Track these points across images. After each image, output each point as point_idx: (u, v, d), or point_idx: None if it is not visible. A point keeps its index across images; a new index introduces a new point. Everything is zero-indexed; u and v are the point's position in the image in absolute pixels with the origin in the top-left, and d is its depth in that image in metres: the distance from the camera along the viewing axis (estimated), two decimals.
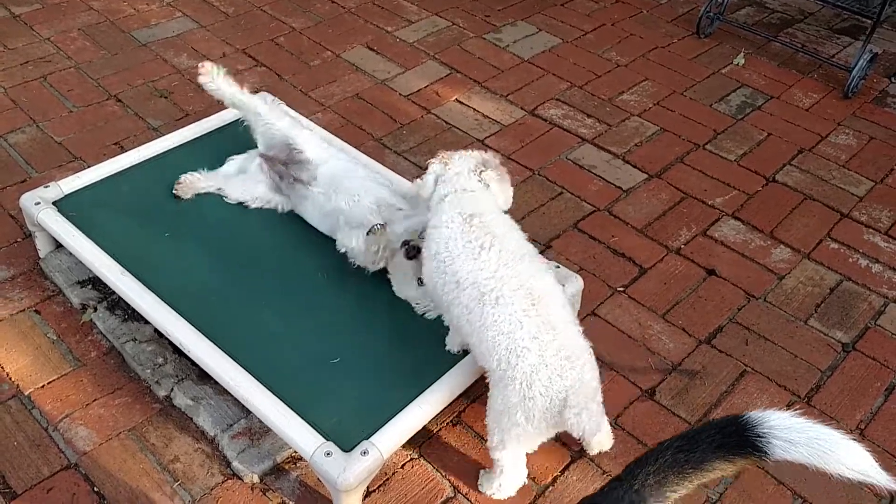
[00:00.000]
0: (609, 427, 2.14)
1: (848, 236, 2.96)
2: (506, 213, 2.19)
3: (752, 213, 3.03)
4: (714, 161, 3.30)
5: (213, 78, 2.60)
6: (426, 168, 2.18)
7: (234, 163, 2.66)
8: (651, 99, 3.65)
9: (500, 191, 2.18)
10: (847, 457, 1.16)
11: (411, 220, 2.33)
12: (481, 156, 2.19)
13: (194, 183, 2.60)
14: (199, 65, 2.60)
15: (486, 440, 2.18)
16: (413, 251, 2.23)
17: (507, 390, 1.85)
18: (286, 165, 2.50)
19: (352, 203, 2.40)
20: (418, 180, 2.20)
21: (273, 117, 2.58)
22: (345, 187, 2.43)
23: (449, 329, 2.19)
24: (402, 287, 2.32)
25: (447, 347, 2.19)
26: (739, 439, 1.19)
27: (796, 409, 1.32)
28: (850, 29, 4.32)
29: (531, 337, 1.83)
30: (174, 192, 2.59)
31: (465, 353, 2.14)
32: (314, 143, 2.57)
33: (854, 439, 1.15)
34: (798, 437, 1.16)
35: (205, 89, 2.65)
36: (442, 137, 3.34)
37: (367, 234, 2.28)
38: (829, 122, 3.57)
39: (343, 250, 2.35)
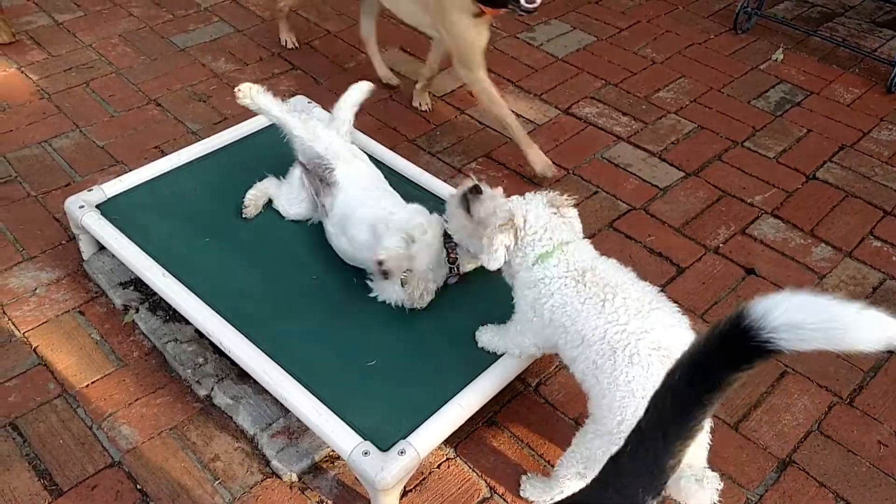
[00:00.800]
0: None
1: (891, 234, 2.90)
2: None
3: (792, 212, 2.99)
4: (753, 158, 3.25)
5: (252, 98, 2.60)
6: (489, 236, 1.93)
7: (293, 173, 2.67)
8: (688, 96, 3.61)
9: (576, 217, 2.02)
10: (864, 332, 0.96)
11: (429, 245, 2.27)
12: (539, 198, 1.98)
13: (257, 201, 2.62)
14: (236, 89, 2.61)
15: (522, 440, 2.18)
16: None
17: (613, 447, 1.73)
18: (321, 182, 2.51)
19: (352, 252, 2.38)
20: (484, 238, 1.95)
21: (309, 138, 2.54)
22: (349, 233, 2.37)
23: (480, 326, 2.16)
24: (385, 291, 2.32)
25: (479, 344, 2.16)
26: (746, 349, 1.02)
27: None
28: (893, 22, 4.23)
29: None
30: (244, 216, 2.60)
31: (499, 354, 2.14)
32: (346, 159, 2.53)
33: (866, 307, 1.02)
34: (811, 335, 0.98)
35: (247, 107, 2.66)
36: (476, 138, 3.34)
37: (403, 286, 2.25)
38: (872, 117, 3.50)
39: (385, 300, 2.33)
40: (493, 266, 1.96)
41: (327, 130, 2.61)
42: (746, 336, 0.99)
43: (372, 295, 2.35)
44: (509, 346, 2.11)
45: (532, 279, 1.91)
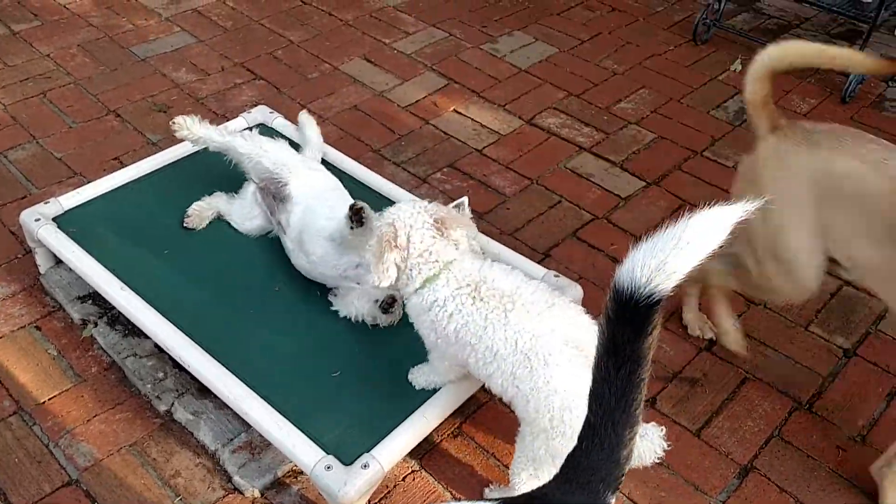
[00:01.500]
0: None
1: None
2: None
3: None
4: (712, 168, 3.30)
5: (189, 128, 2.54)
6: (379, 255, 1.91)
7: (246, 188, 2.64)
8: (648, 106, 3.66)
9: (464, 237, 1.98)
10: (703, 230, 1.04)
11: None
12: (422, 218, 1.92)
13: (202, 213, 2.58)
14: (171, 122, 2.55)
15: (487, 451, 2.18)
16: (388, 304, 2.21)
17: (553, 442, 1.77)
18: (274, 199, 2.47)
19: (311, 267, 2.36)
20: (370, 255, 1.94)
21: (256, 154, 2.48)
22: (305, 249, 2.34)
23: (420, 364, 2.13)
24: (347, 307, 2.31)
25: (416, 386, 2.11)
26: (641, 313, 1.08)
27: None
28: (847, 34, 4.33)
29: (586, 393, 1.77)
30: (185, 225, 2.56)
31: None
32: (298, 173, 2.47)
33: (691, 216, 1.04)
34: (672, 263, 1.04)
35: (185, 140, 2.62)
36: (440, 148, 3.35)
37: (386, 312, 2.24)
38: None
39: (346, 315, 2.32)
40: (384, 283, 1.91)
41: (274, 144, 2.54)
42: (632, 302, 1.06)
43: (334, 309, 2.33)
44: (441, 376, 2.09)
45: (424, 304, 1.90)
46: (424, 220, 1.91)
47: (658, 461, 1.77)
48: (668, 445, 1.78)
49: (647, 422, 1.83)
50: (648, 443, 1.72)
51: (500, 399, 1.89)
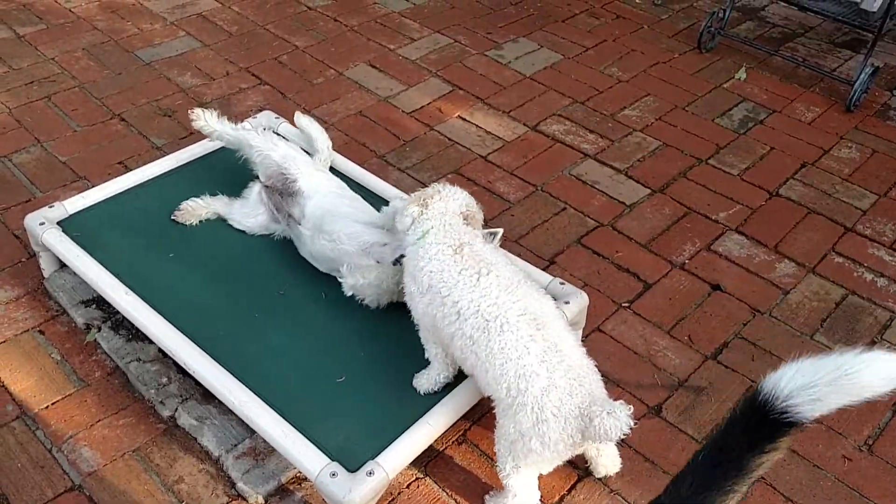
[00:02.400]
0: (616, 450, 2.13)
1: (852, 250, 2.95)
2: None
3: (756, 228, 3.03)
4: (717, 176, 3.30)
5: (207, 120, 2.65)
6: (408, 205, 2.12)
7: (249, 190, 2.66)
8: (653, 114, 3.66)
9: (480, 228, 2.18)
10: (870, 371, 0.99)
11: (397, 251, 2.31)
12: (466, 197, 2.17)
13: (195, 210, 2.60)
14: (190, 111, 2.67)
15: (492, 459, 2.17)
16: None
17: (517, 416, 1.82)
18: (282, 196, 2.50)
19: (332, 247, 2.38)
20: (388, 208, 2.20)
21: (266, 147, 2.57)
22: (327, 230, 2.38)
23: (422, 369, 2.15)
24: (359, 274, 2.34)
25: (421, 391, 2.13)
26: (769, 427, 1.03)
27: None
28: (851, 43, 4.33)
29: (539, 361, 1.82)
30: (173, 218, 2.59)
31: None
32: (307, 171, 2.55)
33: (866, 349, 0.98)
34: (822, 391, 0.99)
35: (202, 133, 2.71)
36: (445, 154, 3.35)
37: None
38: (832, 135, 3.57)
39: (351, 293, 2.33)
40: (400, 225, 2.11)
41: (283, 141, 2.65)
42: (764, 410, 1.00)
43: (340, 303, 2.33)
44: (437, 364, 2.11)
45: (413, 254, 2.06)
46: (461, 196, 2.14)
47: (623, 437, 1.75)
48: (635, 423, 1.78)
49: (638, 418, 1.85)
50: (615, 420, 1.73)
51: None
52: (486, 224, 2.96)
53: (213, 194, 2.65)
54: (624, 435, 1.75)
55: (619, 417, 1.74)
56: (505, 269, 1.99)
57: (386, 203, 2.69)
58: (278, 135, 2.99)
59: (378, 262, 2.32)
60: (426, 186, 2.20)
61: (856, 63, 4.02)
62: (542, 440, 1.81)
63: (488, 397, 1.97)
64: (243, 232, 2.60)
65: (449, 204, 2.11)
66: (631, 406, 1.77)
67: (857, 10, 3.75)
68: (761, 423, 1.02)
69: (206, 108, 2.71)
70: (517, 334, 1.85)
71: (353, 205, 2.52)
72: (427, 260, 2.01)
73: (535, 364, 1.82)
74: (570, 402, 1.80)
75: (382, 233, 2.37)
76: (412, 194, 2.16)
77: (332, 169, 2.80)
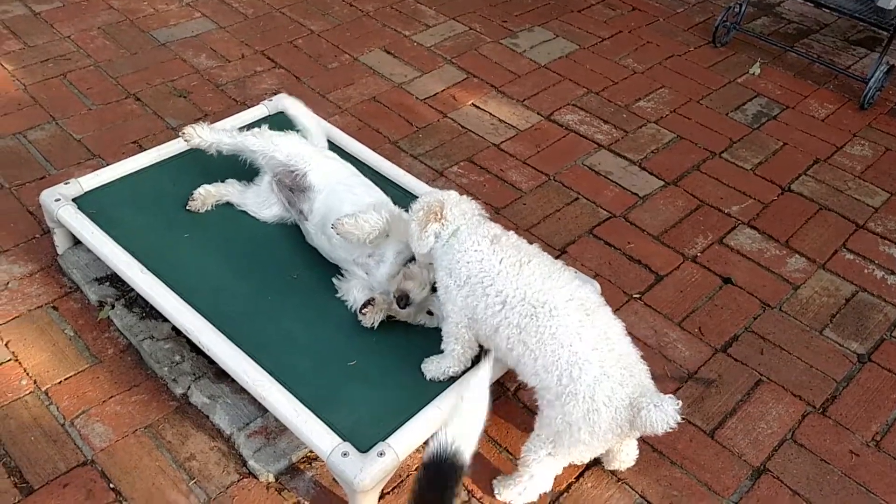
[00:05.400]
0: (636, 445, 2.12)
1: (863, 247, 2.95)
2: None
3: (768, 223, 3.03)
4: (730, 169, 3.29)
5: (200, 135, 2.57)
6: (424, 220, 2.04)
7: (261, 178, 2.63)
8: (667, 106, 3.65)
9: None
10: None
11: (397, 254, 2.27)
12: (477, 207, 2.11)
13: (207, 198, 2.59)
14: (181, 132, 2.58)
15: (499, 443, 2.19)
16: (404, 300, 2.15)
17: (566, 406, 1.81)
18: (293, 191, 2.48)
19: (330, 248, 2.38)
20: (414, 223, 2.06)
21: (268, 149, 2.50)
22: (328, 233, 2.34)
23: (433, 355, 2.14)
24: (352, 294, 2.33)
25: (427, 376, 2.12)
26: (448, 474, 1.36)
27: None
28: (866, 40, 4.32)
29: (591, 348, 1.80)
30: (187, 207, 2.57)
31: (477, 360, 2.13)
32: (316, 162, 2.49)
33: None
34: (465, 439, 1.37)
35: (198, 148, 2.62)
36: (458, 141, 3.35)
37: (361, 309, 2.22)
38: (845, 132, 3.57)
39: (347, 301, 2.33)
40: (422, 248, 2.04)
41: (285, 137, 2.55)
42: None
43: (338, 296, 2.33)
44: (453, 359, 2.09)
45: (447, 250, 2.02)
46: (473, 204, 2.09)
47: (670, 429, 1.76)
48: (682, 418, 1.79)
49: None
50: (662, 413, 1.74)
51: (514, 391, 1.89)
52: (498, 213, 2.98)
53: (228, 177, 2.64)
54: (670, 428, 1.75)
55: (667, 411, 1.74)
56: (544, 257, 1.98)
57: (397, 188, 2.70)
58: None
59: (365, 274, 2.31)
60: (426, 186, 2.16)
61: (870, 61, 4.01)
62: (592, 430, 1.80)
63: (499, 381, 1.97)
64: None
65: (464, 206, 2.07)
66: (679, 401, 1.77)
67: (873, 8, 3.73)
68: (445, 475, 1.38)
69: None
70: (568, 320, 1.83)
71: (358, 200, 2.38)
72: (464, 252, 1.98)
73: (587, 351, 1.80)
74: (621, 392, 1.78)
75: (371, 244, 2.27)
76: (414, 214, 2.07)
77: (345, 154, 2.79)
